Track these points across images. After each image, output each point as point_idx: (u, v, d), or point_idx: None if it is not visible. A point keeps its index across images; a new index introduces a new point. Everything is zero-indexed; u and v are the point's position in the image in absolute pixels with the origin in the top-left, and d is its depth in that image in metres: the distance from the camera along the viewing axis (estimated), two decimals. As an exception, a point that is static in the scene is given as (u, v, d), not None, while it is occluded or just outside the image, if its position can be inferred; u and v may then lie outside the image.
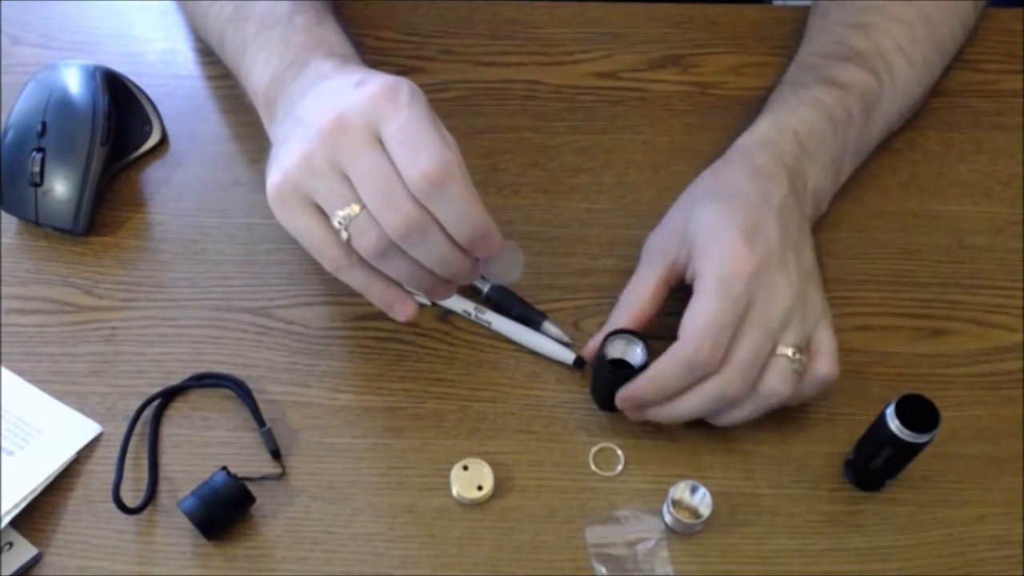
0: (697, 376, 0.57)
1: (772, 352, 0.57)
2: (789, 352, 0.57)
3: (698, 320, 0.57)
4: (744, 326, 0.57)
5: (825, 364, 0.59)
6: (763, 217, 0.59)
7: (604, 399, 0.61)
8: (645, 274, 0.62)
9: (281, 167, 0.54)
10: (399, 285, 0.57)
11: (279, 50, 0.62)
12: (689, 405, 0.58)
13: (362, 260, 0.55)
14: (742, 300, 0.57)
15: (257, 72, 0.63)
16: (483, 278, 0.66)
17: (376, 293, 0.57)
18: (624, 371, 0.59)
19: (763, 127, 0.65)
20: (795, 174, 0.63)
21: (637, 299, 0.61)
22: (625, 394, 0.59)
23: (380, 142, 0.52)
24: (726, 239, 0.58)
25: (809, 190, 0.64)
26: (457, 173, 0.52)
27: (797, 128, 0.65)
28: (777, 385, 0.57)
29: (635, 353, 0.59)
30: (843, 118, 0.66)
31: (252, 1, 0.65)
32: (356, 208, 0.53)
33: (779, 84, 0.70)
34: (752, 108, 0.74)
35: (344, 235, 0.54)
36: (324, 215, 0.54)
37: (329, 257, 0.55)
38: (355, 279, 0.56)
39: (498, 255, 0.56)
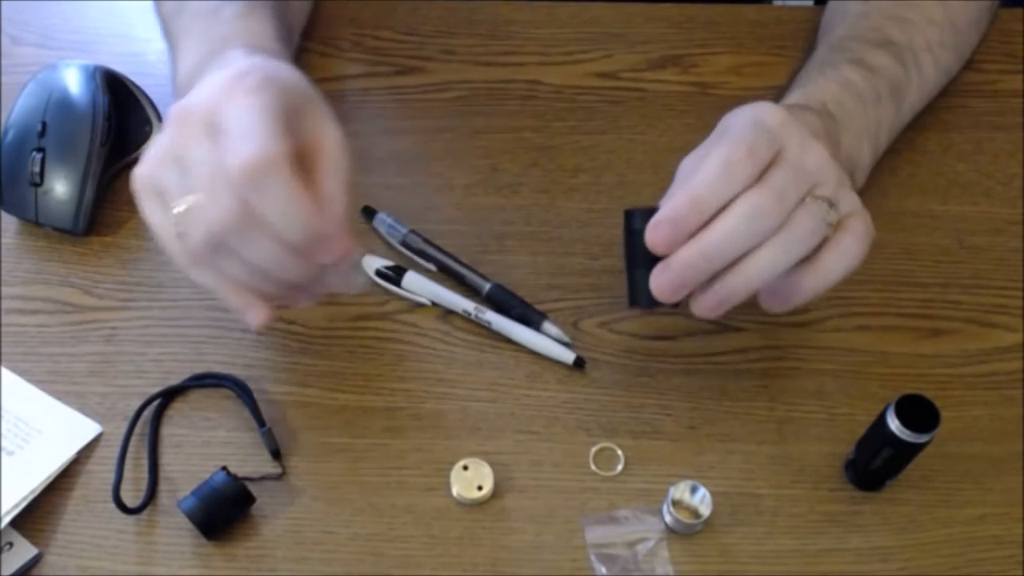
0: (734, 189, 0.51)
1: (804, 196, 0.52)
2: (821, 202, 0.52)
3: (735, 129, 0.52)
4: (777, 161, 0.52)
5: (862, 219, 0.54)
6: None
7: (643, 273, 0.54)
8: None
9: (144, 158, 0.53)
10: (250, 289, 0.53)
11: (203, 41, 0.60)
12: (726, 229, 0.51)
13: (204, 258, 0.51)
14: (775, 135, 0.52)
15: (181, 64, 0.61)
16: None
17: (225, 295, 0.53)
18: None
19: (790, 100, 0.62)
20: (825, 136, 0.59)
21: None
22: (663, 217, 0.52)
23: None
24: (753, 106, 0.54)
25: (843, 153, 0.60)
26: (281, 167, 0.48)
27: (826, 100, 0.62)
28: (808, 222, 0.52)
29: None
30: (872, 98, 0.64)
31: None
32: (189, 201, 0.50)
33: (805, 65, 0.68)
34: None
35: (178, 230, 0.50)
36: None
37: (173, 254, 0.52)
38: (202, 279, 0.53)
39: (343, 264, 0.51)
